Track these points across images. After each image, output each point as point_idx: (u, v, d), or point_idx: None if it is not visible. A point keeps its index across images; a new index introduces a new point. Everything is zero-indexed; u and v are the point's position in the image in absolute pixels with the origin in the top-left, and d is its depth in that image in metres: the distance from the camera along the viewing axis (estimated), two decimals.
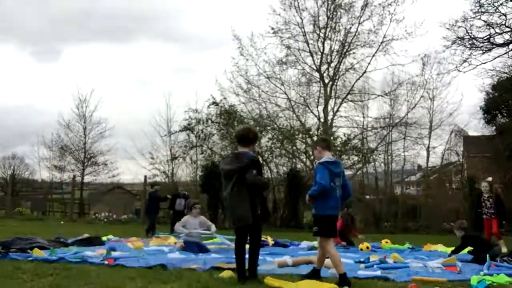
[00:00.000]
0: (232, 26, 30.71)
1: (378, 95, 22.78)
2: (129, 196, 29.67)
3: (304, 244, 10.53)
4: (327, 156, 5.51)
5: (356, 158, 21.71)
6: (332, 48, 21.88)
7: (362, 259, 7.54)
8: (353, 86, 22.04)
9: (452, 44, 17.91)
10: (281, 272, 6.14)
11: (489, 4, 16.96)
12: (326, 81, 21.92)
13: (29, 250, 7.49)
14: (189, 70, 56.50)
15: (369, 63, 21.61)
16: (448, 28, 17.80)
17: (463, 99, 23.39)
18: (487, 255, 6.95)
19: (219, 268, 6.17)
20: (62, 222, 20.18)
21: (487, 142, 23.99)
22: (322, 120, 21.77)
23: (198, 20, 54.54)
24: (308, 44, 21.86)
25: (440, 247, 10.34)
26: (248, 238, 5.44)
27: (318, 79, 22.12)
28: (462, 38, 17.74)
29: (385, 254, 8.25)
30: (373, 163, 23.44)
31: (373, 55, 21.48)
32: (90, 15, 53.68)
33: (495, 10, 16.98)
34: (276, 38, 21.78)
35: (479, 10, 17.04)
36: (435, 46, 22.19)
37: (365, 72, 21.78)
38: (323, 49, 21.81)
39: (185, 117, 22.20)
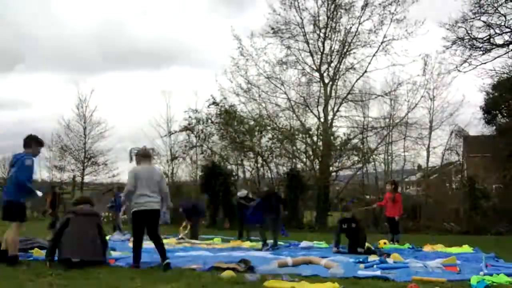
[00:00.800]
0: (232, 26, 30.67)
1: (378, 95, 22.75)
2: None
3: (304, 244, 10.54)
4: None
5: (356, 158, 21.70)
6: (332, 48, 21.88)
7: (361, 259, 7.55)
8: (353, 86, 22.03)
9: (452, 44, 17.89)
10: (281, 272, 6.14)
11: (489, 4, 16.94)
12: (326, 81, 21.91)
13: (29, 250, 7.50)
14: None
15: (369, 63, 21.61)
16: (448, 29, 17.78)
17: (464, 100, 23.10)
18: None
19: (219, 268, 6.18)
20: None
21: (487, 142, 23.95)
22: (322, 120, 21.76)
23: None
24: (308, 44, 21.85)
25: (440, 247, 10.35)
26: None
27: (318, 79, 22.11)
28: (462, 39, 17.72)
29: (385, 254, 8.27)
30: (373, 163, 23.43)
31: (374, 55, 21.46)
32: None
33: (495, 10, 16.97)
34: (276, 38, 21.77)
35: (479, 10, 17.02)
36: (435, 46, 22.22)
37: (365, 72, 21.77)
38: (323, 49, 21.80)
39: (185, 117, 22.23)
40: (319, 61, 21.90)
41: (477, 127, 25.36)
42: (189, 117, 21.97)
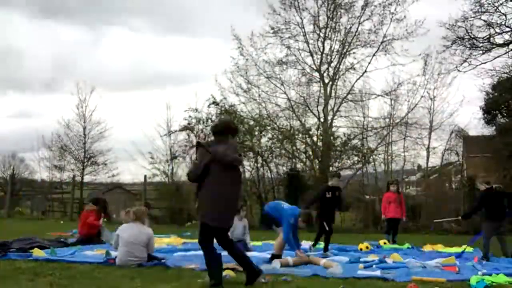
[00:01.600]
0: (232, 26, 30.63)
1: (378, 95, 22.75)
2: (129, 196, 29.66)
3: (304, 244, 10.52)
4: None
5: (356, 158, 21.70)
6: (332, 48, 21.88)
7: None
8: (353, 86, 22.03)
9: (452, 44, 17.87)
10: (282, 271, 6.14)
11: (489, 4, 16.93)
12: (326, 81, 21.91)
13: (29, 250, 7.50)
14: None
15: (369, 63, 21.60)
16: (448, 28, 17.76)
17: (464, 100, 23.12)
18: None
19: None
20: (62, 222, 20.19)
21: (487, 142, 23.95)
22: (322, 120, 21.76)
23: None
24: (308, 44, 21.85)
25: (440, 247, 10.35)
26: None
27: (318, 79, 22.11)
28: (462, 38, 17.70)
29: (384, 254, 8.27)
30: (373, 163, 23.43)
31: (374, 55, 21.45)
32: None
33: (495, 10, 16.95)
34: (276, 38, 21.77)
35: (479, 10, 17.01)
36: (435, 46, 22.11)
37: (365, 72, 21.77)
38: (323, 49, 21.80)
39: (185, 116, 22.22)
40: (319, 61, 21.90)
41: (477, 127, 25.40)
42: (189, 116, 21.98)
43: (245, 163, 23.26)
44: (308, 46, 21.83)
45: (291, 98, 22.20)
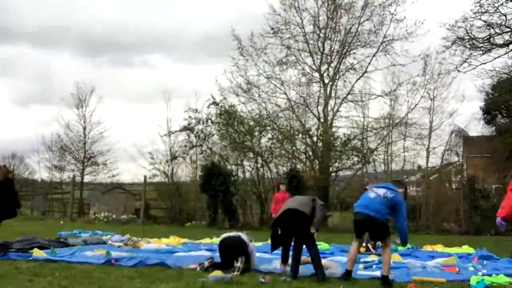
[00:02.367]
0: (232, 26, 30.60)
1: (378, 95, 22.76)
2: (129, 196, 29.66)
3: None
4: None
5: (356, 159, 21.69)
6: (332, 48, 21.87)
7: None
8: (353, 86, 22.03)
9: (452, 44, 17.86)
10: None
11: (489, 4, 16.92)
12: (326, 81, 21.91)
13: (29, 250, 7.50)
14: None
15: (369, 63, 21.60)
16: (448, 29, 17.75)
17: (464, 100, 23.13)
18: None
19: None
20: (61, 222, 20.18)
21: (487, 142, 23.97)
22: (322, 120, 21.76)
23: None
24: (308, 44, 21.84)
25: (440, 247, 10.35)
26: None
27: (318, 79, 22.11)
28: (462, 39, 17.69)
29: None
30: (373, 164, 23.42)
31: (373, 55, 21.46)
32: None
33: (495, 10, 16.94)
34: (276, 38, 21.77)
35: (479, 10, 17.00)
36: (435, 46, 22.17)
37: (365, 72, 21.77)
38: (323, 49, 21.79)
39: (185, 117, 22.21)
40: (319, 61, 21.90)
41: (477, 128, 25.38)
42: (189, 117, 21.96)
43: (245, 163, 23.31)
44: (308, 47, 21.84)
45: (291, 98, 22.21)
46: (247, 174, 23.29)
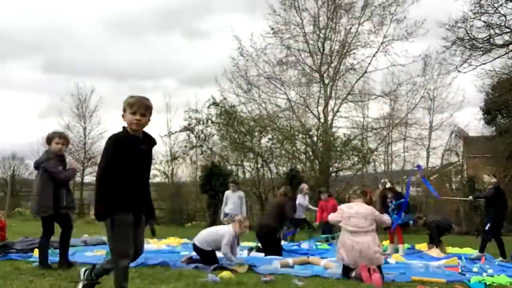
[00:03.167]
0: (232, 26, 30.70)
1: (378, 96, 22.82)
2: None
3: (305, 244, 10.52)
4: None
5: (356, 159, 21.72)
6: (332, 49, 21.90)
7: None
8: (353, 86, 22.06)
9: (452, 44, 17.88)
10: (282, 272, 6.14)
11: (489, 5, 16.94)
12: (326, 81, 21.93)
13: (30, 251, 7.49)
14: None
15: (369, 64, 21.67)
16: (448, 29, 17.77)
17: (464, 100, 23.15)
18: None
19: (219, 268, 6.17)
20: None
21: (487, 142, 23.96)
22: (322, 120, 21.77)
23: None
24: (308, 44, 21.87)
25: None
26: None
27: (318, 80, 22.12)
28: (462, 39, 17.71)
29: (386, 255, 8.25)
30: (373, 164, 23.44)
31: (373, 56, 21.52)
32: None
33: (495, 11, 16.96)
34: (276, 38, 21.82)
35: (479, 10, 17.02)
36: (435, 47, 22.25)
37: (365, 72, 21.82)
38: (323, 50, 21.81)
39: (185, 117, 22.21)
40: (319, 61, 21.92)
41: (477, 128, 25.37)
42: (189, 117, 21.97)
43: (245, 163, 23.32)
44: (308, 47, 21.86)
45: (291, 98, 22.27)
46: (247, 175, 23.32)
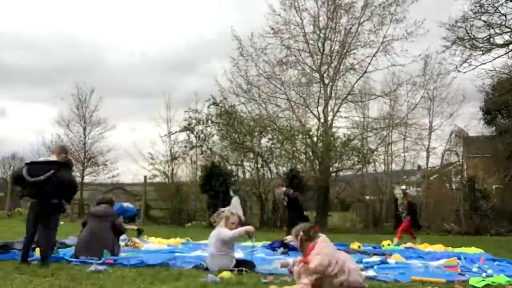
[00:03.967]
0: (232, 26, 30.59)
1: (378, 96, 22.78)
2: (129, 197, 29.67)
3: None
4: None
5: (356, 159, 21.70)
6: (332, 49, 21.86)
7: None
8: (353, 86, 22.03)
9: (452, 44, 17.83)
10: (282, 272, 6.14)
11: (489, 4, 16.91)
12: (326, 81, 21.90)
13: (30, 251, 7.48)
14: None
15: (369, 64, 21.59)
16: (448, 29, 17.73)
17: (464, 100, 23.10)
18: None
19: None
20: (62, 223, 20.15)
21: (487, 142, 23.95)
22: (322, 120, 21.76)
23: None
24: (308, 44, 21.84)
25: (439, 248, 10.35)
26: None
27: (318, 80, 22.10)
28: (462, 39, 17.67)
29: (386, 254, 8.27)
30: (373, 164, 23.43)
31: (373, 55, 21.44)
32: None
33: (495, 10, 16.91)
34: (276, 38, 21.76)
35: (479, 10, 16.98)
36: (435, 46, 22.25)
37: (365, 72, 21.76)
38: (323, 50, 21.79)
39: (185, 117, 22.21)
40: (319, 61, 21.89)
41: (477, 128, 25.36)
42: (189, 117, 21.97)
43: (245, 163, 23.32)
44: (308, 47, 21.84)
45: (291, 98, 22.22)
46: (247, 175, 23.33)
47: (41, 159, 7.06)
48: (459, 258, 7.80)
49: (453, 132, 24.60)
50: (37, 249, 7.41)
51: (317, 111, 22.03)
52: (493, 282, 5.58)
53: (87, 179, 28.11)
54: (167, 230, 17.28)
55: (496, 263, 7.66)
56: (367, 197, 24.40)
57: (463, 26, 17.40)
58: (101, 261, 6.70)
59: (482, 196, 20.33)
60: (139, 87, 46.34)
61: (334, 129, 22.06)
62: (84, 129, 27.77)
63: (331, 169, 21.87)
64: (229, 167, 22.54)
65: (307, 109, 22.40)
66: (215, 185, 20.13)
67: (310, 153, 22.24)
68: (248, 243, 9.44)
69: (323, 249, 4.71)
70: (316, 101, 22.23)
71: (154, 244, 9.74)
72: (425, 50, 21.40)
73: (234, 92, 22.10)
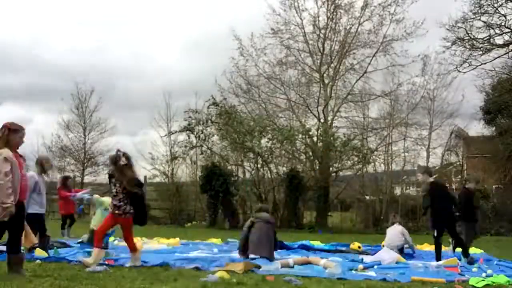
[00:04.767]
0: (232, 26, 30.58)
1: (378, 96, 22.78)
2: None
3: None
4: None
5: (356, 159, 21.71)
6: (332, 49, 21.87)
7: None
8: (353, 86, 22.04)
9: (452, 44, 17.87)
10: (282, 272, 6.15)
11: (489, 5, 16.94)
12: (326, 81, 21.91)
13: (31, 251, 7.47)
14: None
15: (369, 64, 21.61)
16: (448, 29, 17.77)
17: (463, 100, 23.12)
18: None
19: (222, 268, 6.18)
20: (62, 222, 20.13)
21: (487, 142, 23.97)
22: (322, 120, 21.76)
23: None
24: (308, 44, 21.85)
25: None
26: None
27: (318, 80, 22.11)
28: (462, 39, 17.71)
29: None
30: (373, 164, 23.42)
31: (373, 56, 21.47)
32: None
33: (495, 11, 16.96)
34: (276, 38, 21.79)
35: (479, 11, 17.01)
36: (435, 47, 22.32)
37: (365, 72, 21.78)
38: (323, 50, 21.79)
39: (185, 117, 22.20)
40: (319, 61, 21.91)
41: (477, 128, 25.38)
42: (189, 117, 21.97)
43: (245, 163, 23.32)
44: (308, 47, 21.85)
45: (291, 98, 22.23)
46: (247, 175, 23.33)
47: None
48: (459, 258, 7.79)
49: (453, 132, 24.62)
50: (38, 249, 7.42)
51: (317, 111, 22.04)
52: (493, 282, 5.58)
53: (87, 179, 28.12)
54: (167, 230, 17.27)
55: (495, 263, 7.66)
56: (367, 197, 24.41)
57: (463, 27, 17.44)
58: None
59: (482, 196, 20.31)
60: (140, 87, 46.32)
61: (334, 129, 22.08)
62: (84, 129, 27.78)
63: (331, 169, 21.88)
64: (229, 167, 22.54)
65: (307, 109, 22.41)
66: (215, 185, 20.14)
67: (310, 153, 22.26)
68: None
69: None
70: (316, 101, 22.24)
71: (153, 245, 9.74)
72: (424, 50, 21.43)
73: (234, 92, 22.14)
